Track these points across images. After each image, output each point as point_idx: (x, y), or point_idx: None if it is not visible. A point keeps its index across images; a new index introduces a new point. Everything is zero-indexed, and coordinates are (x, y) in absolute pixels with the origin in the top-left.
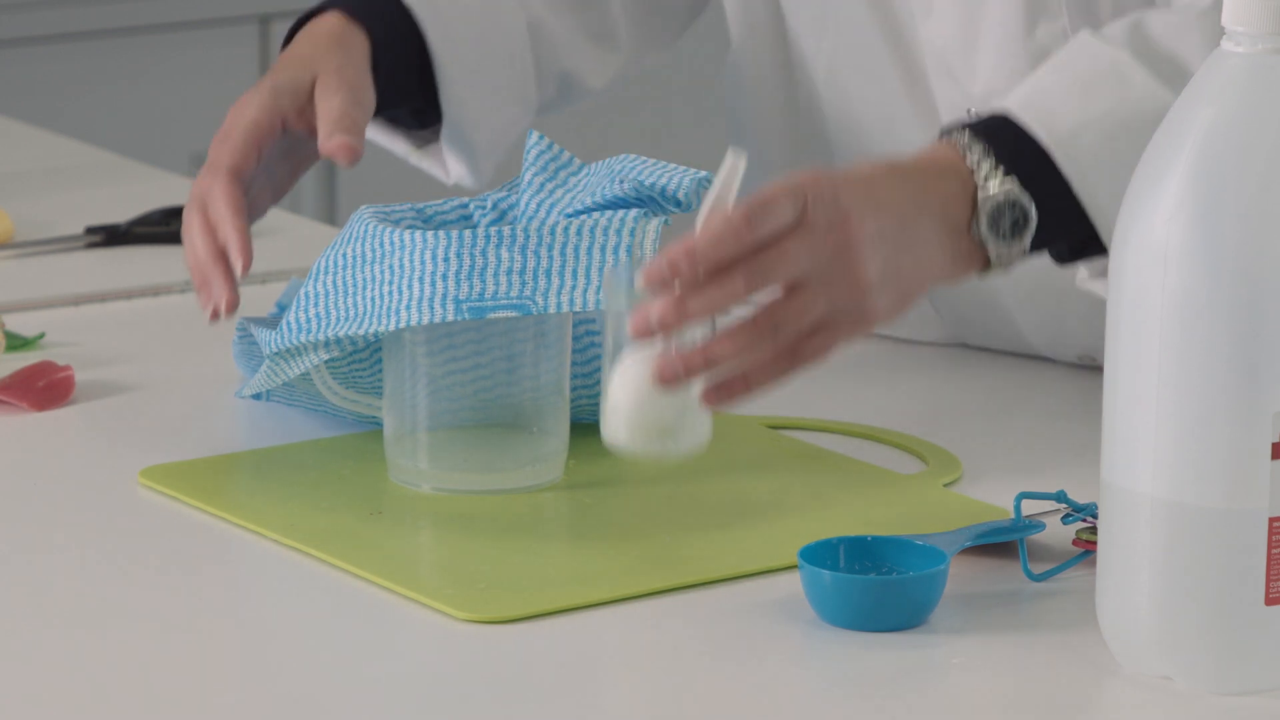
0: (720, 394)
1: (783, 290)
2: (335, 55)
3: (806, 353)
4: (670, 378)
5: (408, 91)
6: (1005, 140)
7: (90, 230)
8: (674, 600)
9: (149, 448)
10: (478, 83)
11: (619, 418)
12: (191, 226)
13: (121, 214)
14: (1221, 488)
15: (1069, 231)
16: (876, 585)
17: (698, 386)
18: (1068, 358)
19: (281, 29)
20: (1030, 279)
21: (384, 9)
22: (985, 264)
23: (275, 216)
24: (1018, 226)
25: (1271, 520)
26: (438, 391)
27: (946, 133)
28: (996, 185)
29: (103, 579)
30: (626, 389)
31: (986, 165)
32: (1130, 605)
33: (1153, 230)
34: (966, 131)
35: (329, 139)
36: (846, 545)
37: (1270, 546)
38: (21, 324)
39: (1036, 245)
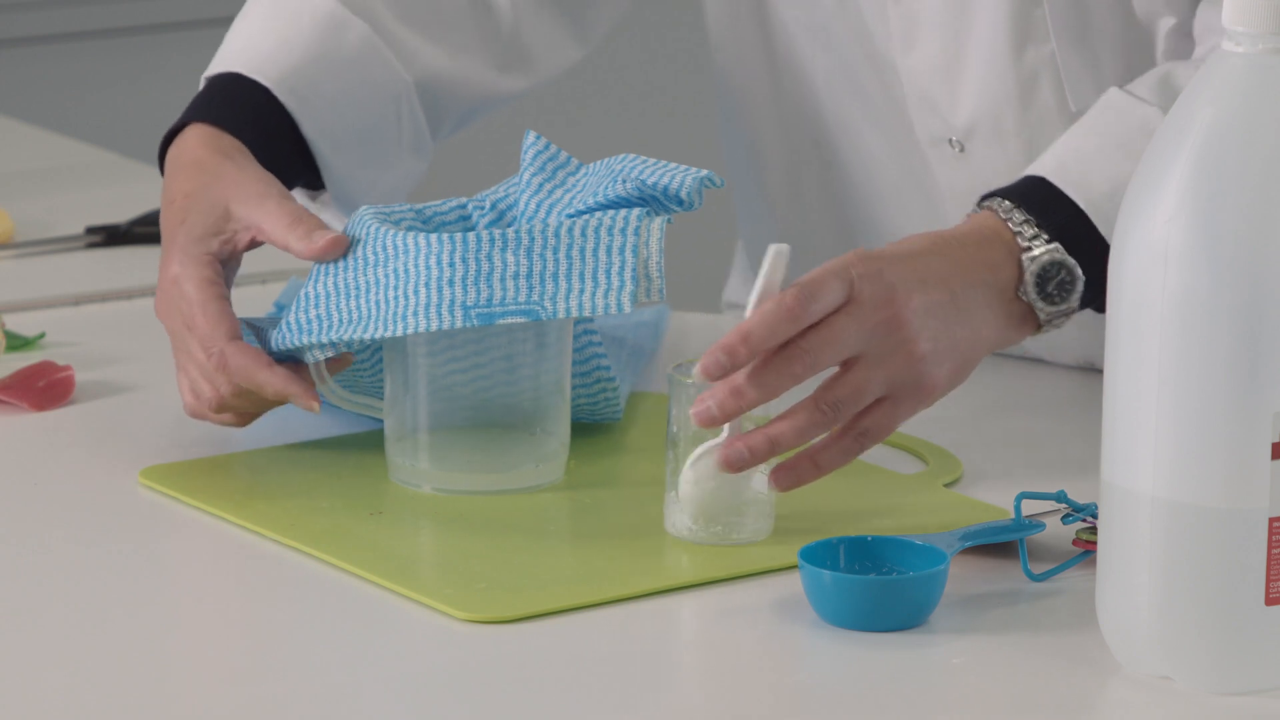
0: (789, 476)
1: (839, 368)
2: (227, 168)
3: (870, 428)
4: (735, 463)
5: (292, 174)
6: (1044, 205)
7: (90, 230)
8: (674, 600)
9: (149, 448)
10: (362, 160)
11: (684, 507)
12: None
13: (121, 214)
14: (1221, 488)
15: None
16: (876, 585)
17: (764, 483)
18: (1066, 362)
19: None
20: None
21: (252, 102)
22: (1036, 325)
23: None
24: (1064, 287)
25: (1271, 520)
26: (438, 392)
27: (985, 200)
28: (1041, 248)
29: (103, 579)
30: (690, 480)
31: (1029, 230)
32: (1130, 605)
33: (1153, 230)
34: (1005, 199)
35: (308, 240)
36: (846, 545)
37: (1270, 546)
38: (21, 324)
39: (1084, 303)
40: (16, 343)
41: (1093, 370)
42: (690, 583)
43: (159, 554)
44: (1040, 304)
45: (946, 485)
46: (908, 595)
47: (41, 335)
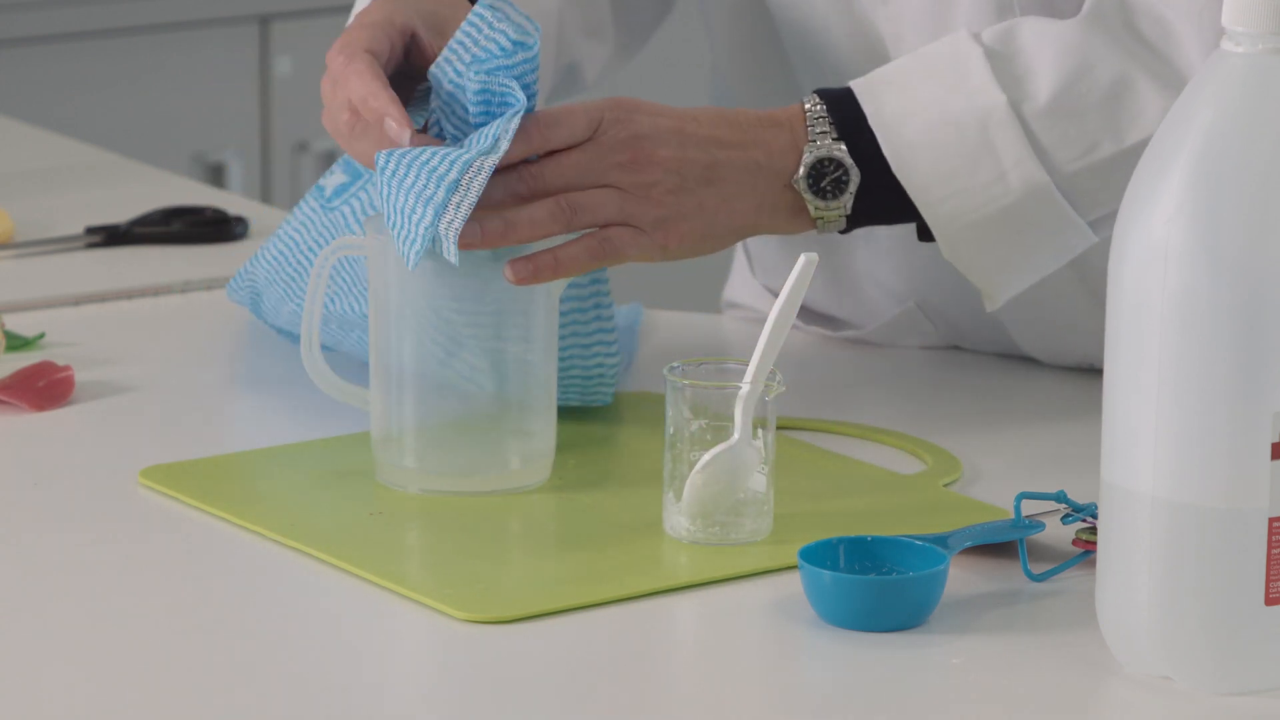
0: (526, 266)
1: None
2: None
3: (612, 239)
4: (466, 239)
5: None
6: (848, 111)
7: (90, 230)
8: (674, 600)
9: (149, 448)
10: None
11: (683, 508)
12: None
13: (121, 214)
14: (1221, 488)
15: (908, 211)
16: (876, 585)
17: (762, 482)
18: (1066, 363)
19: (282, 29)
20: (1021, 297)
21: None
22: (810, 221)
23: (276, 216)
24: (839, 185)
25: (1271, 520)
26: (424, 391)
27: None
28: (823, 143)
29: (103, 579)
30: (694, 483)
31: (821, 126)
32: (1130, 605)
33: (1153, 230)
34: (821, 96)
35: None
36: (846, 545)
37: (1270, 546)
38: (21, 324)
39: (877, 219)
40: (16, 343)
41: (1093, 370)
42: (689, 583)
43: (159, 554)
44: (810, 196)
45: (946, 485)
46: (908, 595)
47: (41, 335)
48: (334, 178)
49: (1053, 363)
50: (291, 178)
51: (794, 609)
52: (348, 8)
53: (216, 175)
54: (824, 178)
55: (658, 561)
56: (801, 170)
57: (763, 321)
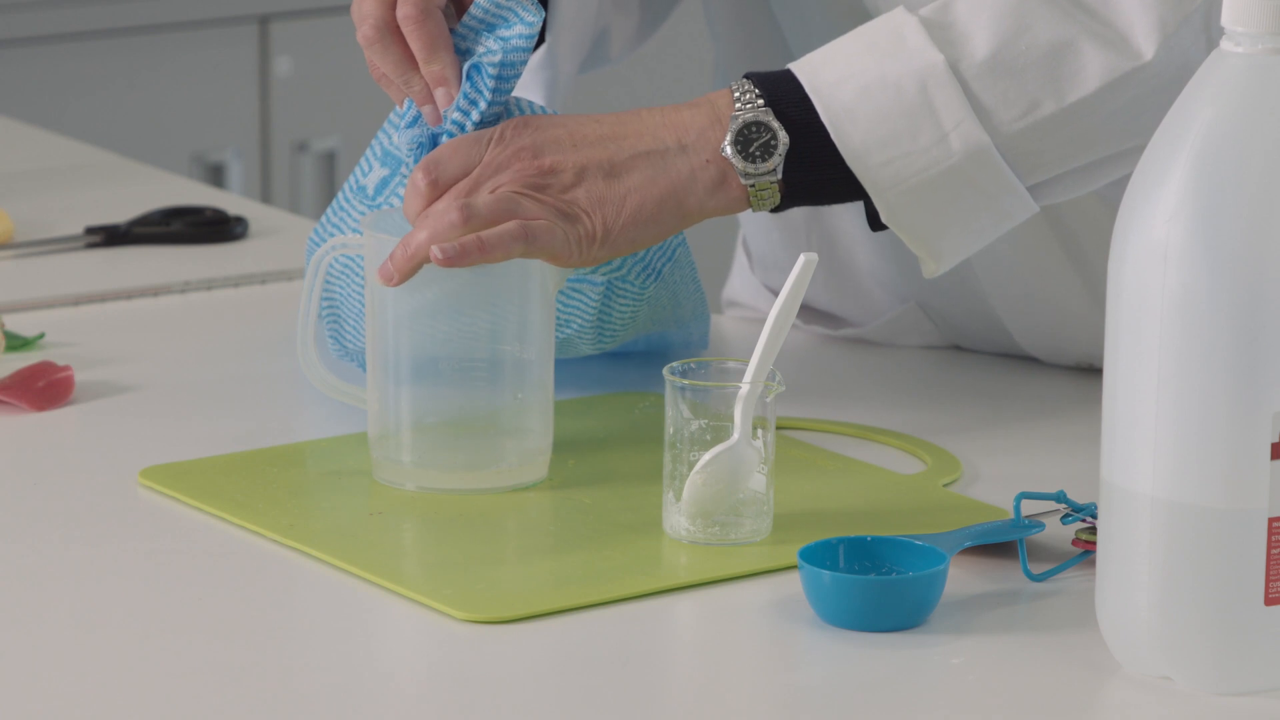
0: (451, 245)
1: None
2: None
3: (536, 231)
4: (385, 277)
5: None
6: (780, 87)
7: (90, 230)
8: (673, 600)
9: (149, 448)
10: (567, 28)
11: (683, 508)
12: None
13: (121, 214)
14: (1221, 488)
15: (849, 186)
16: (876, 585)
17: (761, 482)
18: (1066, 363)
19: (282, 29)
20: (1021, 295)
21: None
22: (743, 193)
23: (276, 216)
24: (767, 149)
25: (1271, 520)
26: (421, 389)
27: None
28: (750, 111)
29: (103, 579)
30: (693, 483)
31: (748, 96)
32: (1130, 605)
33: (1153, 230)
34: (746, 76)
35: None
36: (846, 545)
37: (1270, 546)
38: (21, 324)
39: (816, 197)
40: (16, 343)
41: (1092, 370)
42: (689, 583)
43: (159, 554)
44: (739, 160)
45: (946, 485)
46: (908, 595)
47: (41, 335)
48: (373, 174)
49: (1052, 362)
50: (291, 178)
51: (794, 609)
52: (347, 8)
53: (216, 175)
54: (752, 143)
55: (657, 561)
56: (729, 136)
57: (763, 321)
